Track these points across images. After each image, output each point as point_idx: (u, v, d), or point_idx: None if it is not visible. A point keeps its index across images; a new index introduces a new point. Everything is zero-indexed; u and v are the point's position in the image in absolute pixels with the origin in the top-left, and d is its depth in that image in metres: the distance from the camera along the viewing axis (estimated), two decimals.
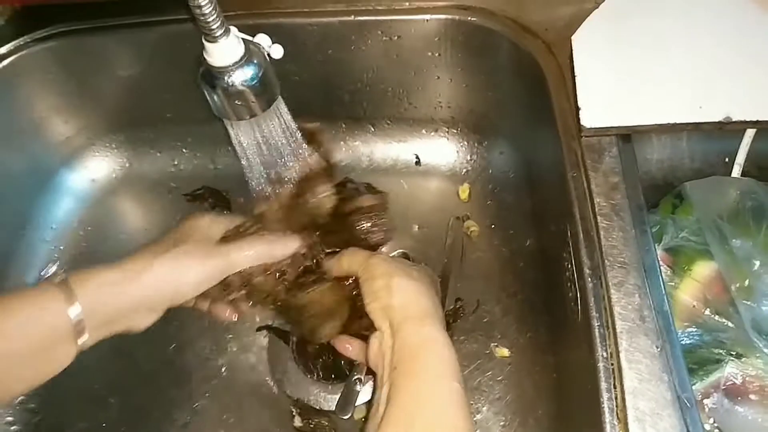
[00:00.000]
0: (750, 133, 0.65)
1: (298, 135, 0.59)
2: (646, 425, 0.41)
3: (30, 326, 0.44)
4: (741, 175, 0.66)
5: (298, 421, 0.63)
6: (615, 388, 0.43)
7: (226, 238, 0.53)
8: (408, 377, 0.44)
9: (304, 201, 0.58)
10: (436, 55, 0.69)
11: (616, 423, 0.42)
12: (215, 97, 0.51)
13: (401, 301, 0.48)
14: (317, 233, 0.58)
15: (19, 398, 0.65)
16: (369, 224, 0.58)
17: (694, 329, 0.52)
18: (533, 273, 0.67)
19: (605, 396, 0.43)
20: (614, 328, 0.45)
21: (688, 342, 0.52)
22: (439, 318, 0.48)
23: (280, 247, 0.54)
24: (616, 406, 0.42)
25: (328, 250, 0.58)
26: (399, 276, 0.50)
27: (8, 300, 0.44)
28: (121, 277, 0.47)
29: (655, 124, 0.54)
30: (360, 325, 0.54)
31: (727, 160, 0.69)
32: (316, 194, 0.58)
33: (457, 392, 0.43)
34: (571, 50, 0.59)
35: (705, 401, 0.48)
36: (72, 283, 0.45)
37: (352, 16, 0.66)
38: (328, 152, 0.61)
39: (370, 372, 0.64)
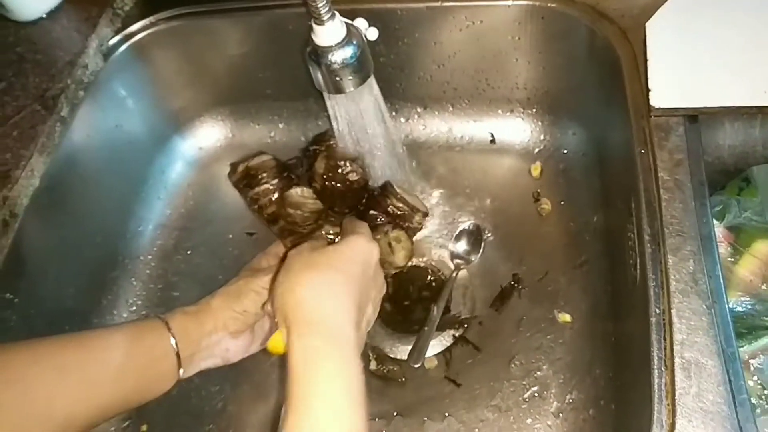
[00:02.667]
0: None
1: (386, 111, 0.66)
2: (691, 373, 0.46)
3: (140, 355, 0.54)
4: None
5: (373, 365, 0.70)
6: (665, 339, 0.48)
7: None
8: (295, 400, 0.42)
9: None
10: (516, 38, 0.74)
11: (664, 370, 0.47)
12: (318, 73, 0.59)
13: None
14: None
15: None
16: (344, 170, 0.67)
17: (748, 299, 0.55)
18: (598, 246, 0.72)
19: (655, 346, 0.48)
20: (668, 289, 0.49)
21: (740, 310, 0.55)
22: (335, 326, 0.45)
23: None
24: (665, 356, 0.47)
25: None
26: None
27: (122, 332, 0.54)
28: (196, 309, 0.59)
29: (721, 107, 0.57)
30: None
31: None
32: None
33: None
34: (645, 36, 0.63)
35: (751, 361, 0.52)
36: (165, 317, 0.56)
37: (439, 2, 0.72)
38: None
39: (443, 328, 0.71)
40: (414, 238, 0.71)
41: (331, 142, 0.68)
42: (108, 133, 0.77)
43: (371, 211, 0.67)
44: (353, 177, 0.67)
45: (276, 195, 0.67)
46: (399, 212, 0.67)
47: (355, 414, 0.42)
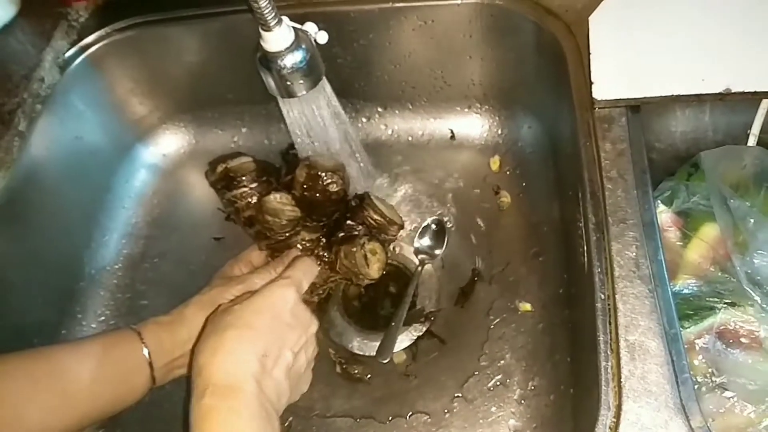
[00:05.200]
0: (765, 104, 0.69)
1: (342, 111, 0.67)
2: (636, 355, 0.48)
3: (112, 366, 0.54)
4: (756, 145, 0.71)
5: (338, 369, 0.71)
6: (610, 324, 0.49)
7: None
8: None
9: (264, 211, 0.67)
10: (468, 36, 0.75)
11: (610, 353, 0.48)
12: (270, 78, 0.60)
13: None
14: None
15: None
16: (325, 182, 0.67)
17: (694, 281, 0.57)
18: (555, 236, 0.73)
19: (601, 330, 0.49)
20: (612, 275, 0.51)
21: (687, 292, 0.57)
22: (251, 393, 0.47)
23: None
24: (611, 340, 0.49)
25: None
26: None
27: (95, 344, 0.55)
28: (170, 319, 0.59)
29: (660, 96, 0.59)
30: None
31: (749, 132, 0.73)
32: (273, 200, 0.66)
33: None
34: (588, 30, 0.64)
35: (697, 341, 0.54)
36: (138, 327, 0.57)
37: (390, 3, 0.73)
38: None
39: (410, 322, 0.72)
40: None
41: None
42: (68, 145, 0.77)
43: (348, 221, 0.68)
44: (333, 188, 0.67)
45: (254, 199, 0.67)
46: (376, 224, 0.68)
47: None
